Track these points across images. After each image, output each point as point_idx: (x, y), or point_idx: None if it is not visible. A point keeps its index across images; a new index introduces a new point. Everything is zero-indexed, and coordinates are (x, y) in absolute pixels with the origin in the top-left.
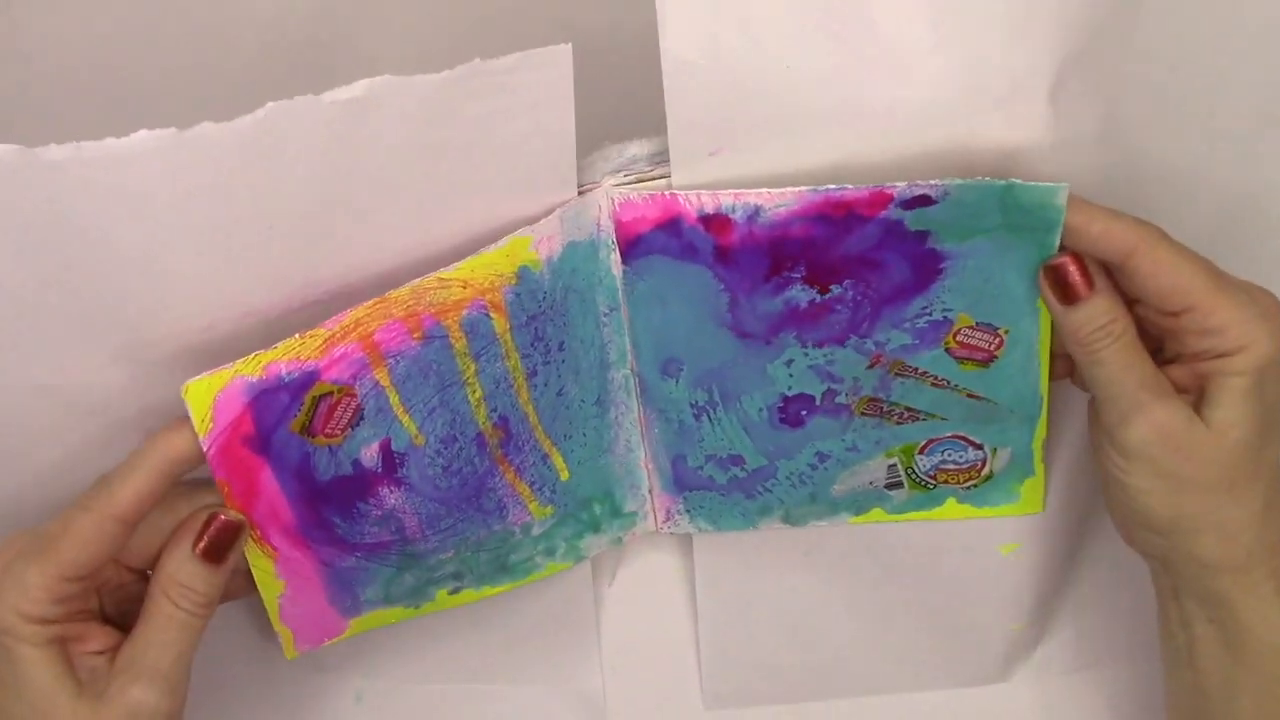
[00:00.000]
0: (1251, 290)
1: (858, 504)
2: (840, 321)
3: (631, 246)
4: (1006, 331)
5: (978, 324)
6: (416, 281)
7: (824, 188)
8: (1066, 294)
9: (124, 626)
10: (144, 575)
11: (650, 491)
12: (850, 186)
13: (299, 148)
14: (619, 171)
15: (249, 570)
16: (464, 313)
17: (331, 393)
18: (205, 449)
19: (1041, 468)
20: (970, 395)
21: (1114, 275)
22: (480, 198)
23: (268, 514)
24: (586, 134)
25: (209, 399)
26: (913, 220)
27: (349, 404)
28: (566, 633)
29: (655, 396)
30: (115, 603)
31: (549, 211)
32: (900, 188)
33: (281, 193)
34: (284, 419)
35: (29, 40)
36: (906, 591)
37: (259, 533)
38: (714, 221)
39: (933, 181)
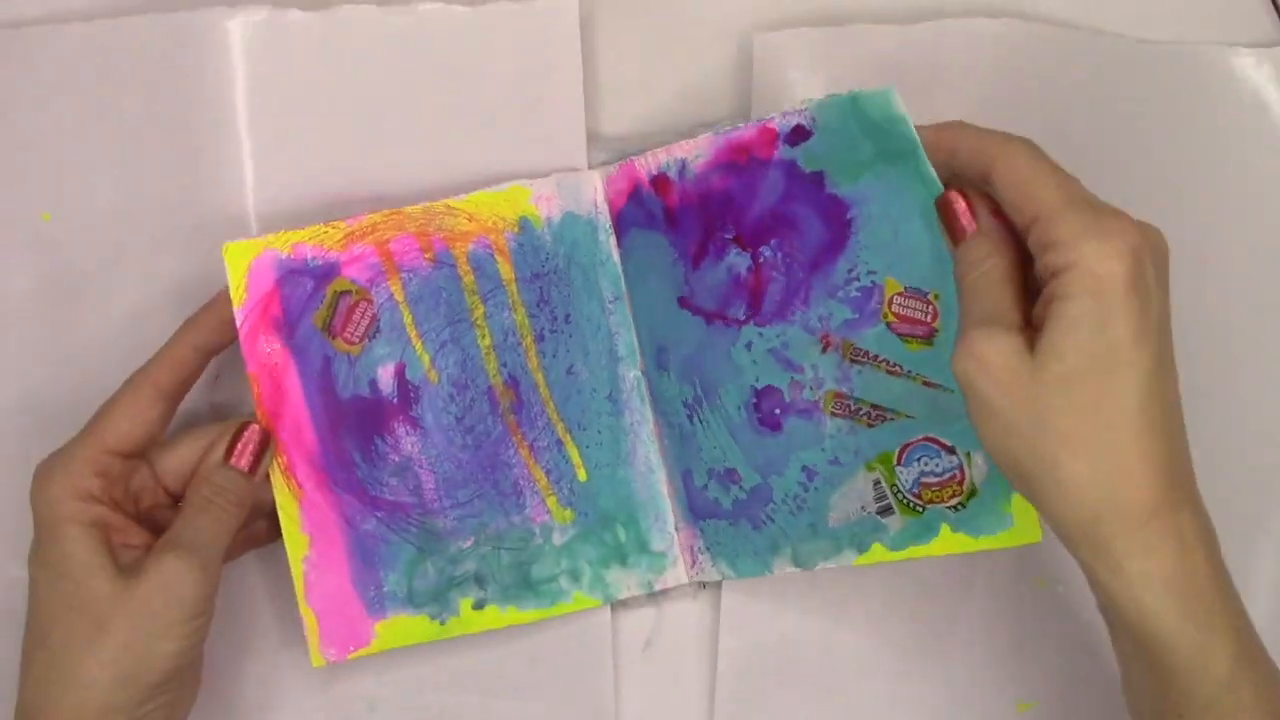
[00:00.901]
0: (1105, 211)
1: (858, 540)
2: (779, 290)
3: (618, 224)
4: (936, 296)
5: (906, 289)
6: (428, 203)
7: (722, 129)
8: (952, 230)
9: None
10: (178, 503)
11: (676, 529)
12: (741, 124)
13: (361, 49)
14: (611, 162)
15: (275, 514)
16: (470, 245)
17: (350, 291)
18: (239, 324)
19: None
20: (926, 384)
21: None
22: (495, 142)
23: (293, 433)
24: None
25: (244, 264)
26: (804, 159)
27: (366, 310)
28: (582, 649)
29: (659, 398)
30: (152, 527)
31: (548, 174)
32: (777, 118)
33: (340, 86)
34: (308, 308)
35: None
36: None
37: (285, 461)
38: (659, 181)
39: (797, 107)
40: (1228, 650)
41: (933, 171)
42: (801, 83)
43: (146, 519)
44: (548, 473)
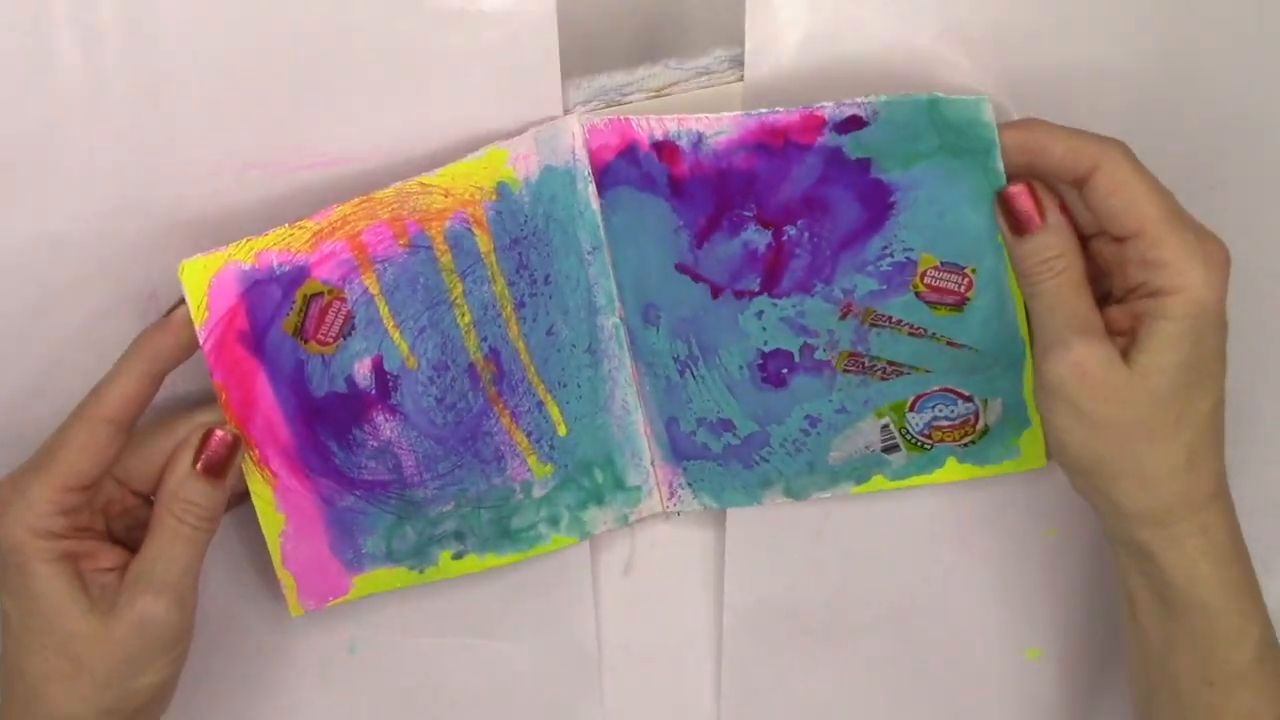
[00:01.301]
0: (1202, 234)
1: (857, 472)
2: (801, 267)
3: (602, 176)
4: (974, 271)
5: (942, 264)
6: (400, 184)
7: (756, 112)
8: (1017, 224)
9: (133, 549)
10: (149, 500)
11: (653, 464)
12: (781, 109)
13: (304, 4)
14: (590, 101)
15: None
16: (447, 223)
17: (322, 293)
18: (202, 341)
19: (1037, 418)
20: (950, 344)
21: (1068, 203)
22: (467, 92)
23: (265, 430)
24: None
25: (204, 281)
26: (851, 146)
27: (340, 309)
28: (561, 587)
29: (642, 348)
30: (124, 527)
31: (525, 128)
32: (829, 107)
33: (287, 47)
34: (277, 316)
35: None
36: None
37: (258, 454)
38: (664, 148)
39: (859, 99)
40: (1260, 623)
41: (1001, 166)
42: (797, 18)
43: (117, 524)
44: (528, 434)
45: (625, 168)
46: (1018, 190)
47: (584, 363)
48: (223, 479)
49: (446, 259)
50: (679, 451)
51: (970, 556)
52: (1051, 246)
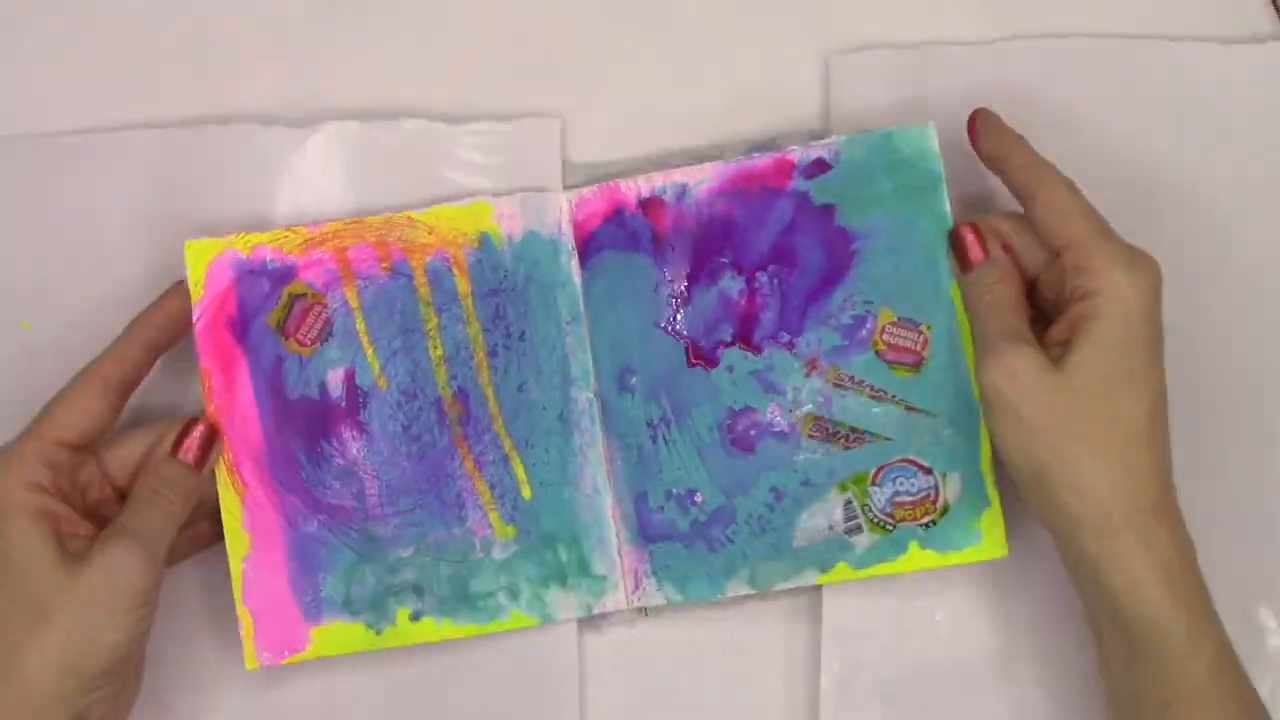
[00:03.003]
0: (1133, 250)
1: (822, 559)
2: (771, 319)
3: (586, 245)
4: (929, 328)
5: (900, 319)
6: (390, 214)
7: (734, 159)
8: (964, 259)
9: None
10: (124, 496)
11: (620, 553)
12: (757, 154)
13: (345, 163)
14: (583, 182)
15: (219, 515)
16: (429, 258)
17: (306, 294)
18: (195, 319)
19: (996, 496)
20: (909, 408)
21: (1015, 247)
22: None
23: (240, 429)
24: None
25: (205, 261)
26: (817, 191)
27: (320, 313)
28: (548, 698)
29: (615, 418)
30: (98, 522)
31: (512, 191)
32: (798, 151)
33: (325, 196)
34: (263, 308)
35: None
36: None
37: (231, 458)
38: (650, 204)
39: (823, 141)
40: (1214, 639)
41: (948, 207)
42: (879, 104)
43: (93, 513)
44: (492, 487)
45: (611, 231)
46: (963, 230)
47: (554, 429)
48: (199, 466)
49: (425, 291)
50: (646, 533)
51: (1080, 618)
52: (992, 273)
